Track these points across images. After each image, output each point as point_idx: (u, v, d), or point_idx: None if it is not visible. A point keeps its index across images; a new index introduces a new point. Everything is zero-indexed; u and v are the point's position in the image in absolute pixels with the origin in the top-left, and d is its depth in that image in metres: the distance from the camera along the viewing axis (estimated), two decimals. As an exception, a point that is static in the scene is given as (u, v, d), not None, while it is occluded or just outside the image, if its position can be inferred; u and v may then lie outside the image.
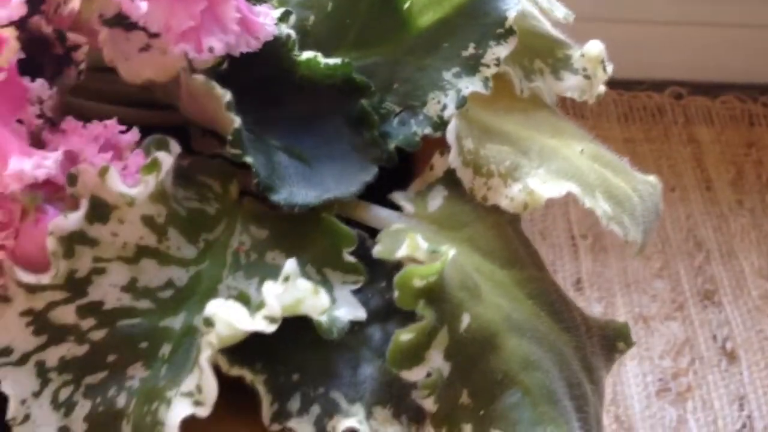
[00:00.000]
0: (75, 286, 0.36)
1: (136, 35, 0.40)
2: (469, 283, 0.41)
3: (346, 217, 0.43)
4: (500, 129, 0.49)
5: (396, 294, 0.38)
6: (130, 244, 0.38)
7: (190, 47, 0.39)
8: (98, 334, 0.37)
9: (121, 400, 0.36)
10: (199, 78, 0.41)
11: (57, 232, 0.35)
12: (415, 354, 0.37)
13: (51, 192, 0.36)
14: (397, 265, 0.39)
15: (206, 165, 0.43)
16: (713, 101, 1.20)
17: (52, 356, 0.36)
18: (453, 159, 0.45)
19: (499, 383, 0.39)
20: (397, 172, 0.46)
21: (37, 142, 0.37)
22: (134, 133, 0.39)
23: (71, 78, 0.40)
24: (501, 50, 0.45)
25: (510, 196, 0.44)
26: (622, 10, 1.18)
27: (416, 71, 0.46)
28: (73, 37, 0.40)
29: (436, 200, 0.45)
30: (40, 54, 0.39)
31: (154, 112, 0.46)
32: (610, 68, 0.52)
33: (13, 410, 0.35)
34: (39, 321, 0.36)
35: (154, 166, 0.37)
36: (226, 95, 0.40)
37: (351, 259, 0.41)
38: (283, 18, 0.44)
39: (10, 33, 0.34)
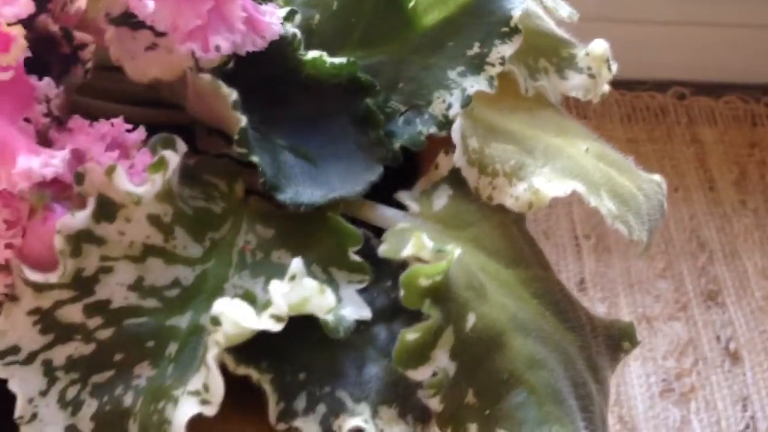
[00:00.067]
0: (82, 284, 0.36)
1: (143, 34, 0.40)
2: (474, 283, 0.41)
3: (352, 216, 0.43)
4: (505, 128, 0.49)
5: (402, 293, 0.38)
6: (136, 243, 0.38)
7: (196, 46, 0.39)
8: (105, 333, 0.37)
9: (127, 399, 0.36)
10: (206, 77, 0.41)
11: (64, 231, 0.35)
12: (420, 353, 0.37)
13: (58, 191, 0.36)
14: (403, 265, 0.39)
15: (212, 164, 0.43)
16: (716, 101, 1.20)
17: (59, 355, 0.36)
18: (458, 158, 0.45)
19: (504, 383, 0.39)
20: (402, 172, 0.46)
21: (44, 140, 0.37)
22: (141, 132, 0.39)
23: (78, 77, 0.40)
24: (506, 49, 0.45)
25: (515, 195, 0.44)
26: (625, 10, 1.18)
27: (421, 70, 0.46)
28: (79, 35, 0.40)
29: (441, 199, 0.45)
30: (47, 53, 0.39)
31: (160, 111, 0.46)
32: (614, 67, 0.52)
33: (20, 409, 0.35)
34: (46, 320, 0.36)
35: (161, 164, 0.37)
36: (233, 94, 0.40)
37: (356, 258, 0.41)
38: (289, 17, 0.44)
39: (18, 31, 0.34)
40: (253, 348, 0.36)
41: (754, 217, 1.08)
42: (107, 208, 0.37)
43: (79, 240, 0.36)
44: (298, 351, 0.38)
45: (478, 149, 0.45)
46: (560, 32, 0.53)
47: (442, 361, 0.38)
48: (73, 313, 0.36)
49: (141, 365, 0.36)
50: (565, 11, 0.53)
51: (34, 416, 0.35)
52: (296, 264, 0.36)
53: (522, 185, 0.44)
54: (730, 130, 1.17)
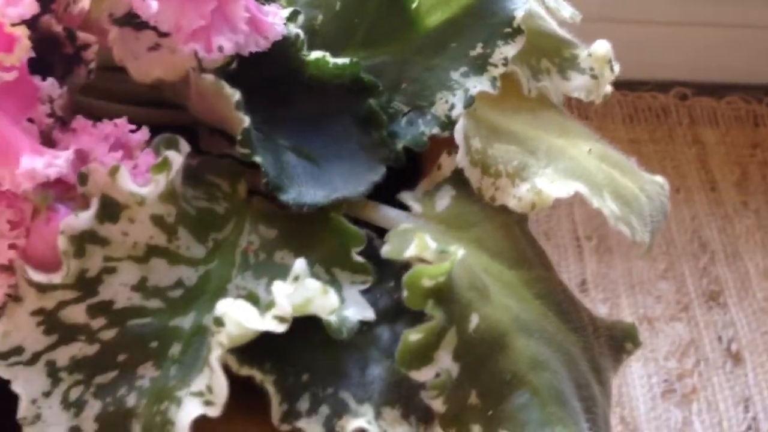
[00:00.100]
0: (86, 285, 0.36)
1: (146, 34, 0.40)
2: (477, 284, 0.41)
3: (354, 216, 0.43)
4: (508, 129, 0.49)
5: (405, 294, 0.37)
6: (140, 244, 0.38)
7: (199, 47, 0.39)
8: (109, 334, 0.37)
9: (131, 400, 0.36)
10: (209, 77, 0.41)
11: (68, 231, 0.35)
12: (424, 354, 0.37)
13: (62, 191, 0.36)
14: (405, 265, 0.39)
15: (215, 164, 0.43)
16: (718, 102, 1.20)
17: (63, 356, 0.36)
18: (461, 159, 0.45)
19: (507, 384, 0.39)
20: (405, 172, 0.46)
21: (48, 141, 0.37)
22: (144, 133, 0.39)
23: (81, 77, 0.40)
24: (509, 50, 0.45)
25: (518, 196, 0.44)
26: (626, 11, 1.18)
27: (424, 71, 0.46)
28: (83, 36, 0.40)
29: (444, 200, 0.45)
30: (51, 53, 0.39)
31: (162, 111, 0.46)
32: (617, 68, 0.52)
33: (23, 410, 0.35)
34: (50, 320, 0.36)
35: (164, 165, 0.37)
36: (236, 95, 0.40)
37: (359, 258, 0.41)
38: (292, 18, 0.44)
39: (22, 32, 0.34)
40: (256, 349, 0.36)
41: (756, 217, 1.08)
42: (111, 209, 0.37)
43: (83, 240, 0.36)
44: (301, 352, 0.38)
45: (480, 150, 0.45)
46: (562, 33, 0.53)
47: (445, 362, 0.38)
48: (76, 314, 0.36)
49: (144, 366, 0.36)
50: (568, 12, 0.53)
51: (37, 417, 0.35)
52: (299, 265, 0.36)
53: (525, 186, 0.44)
54: (731, 130, 1.17)
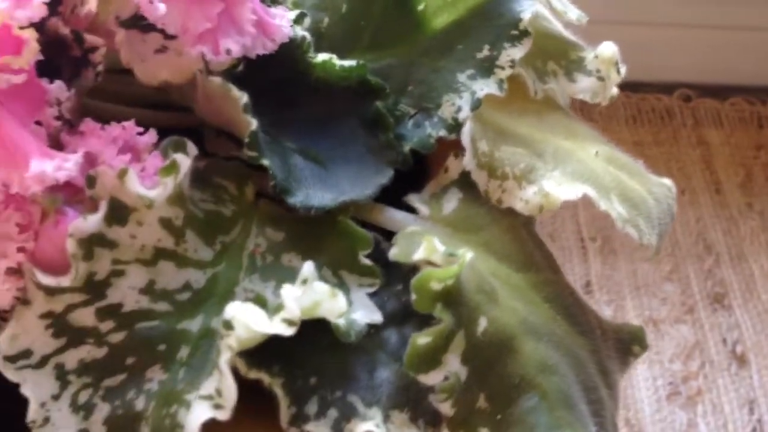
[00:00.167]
0: (94, 288, 0.36)
1: (153, 37, 0.40)
2: (485, 287, 0.41)
3: (361, 219, 0.43)
4: (515, 131, 0.49)
5: (413, 297, 0.37)
6: (148, 247, 0.38)
7: (206, 49, 0.39)
8: (117, 337, 0.37)
9: (139, 403, 0.36)
10: (216, 80, 0.41)
11: (77, 234, 0.35)
12: (432, 357, 0.37)
13: (70, 194, 0.36)
14: (413, 268, 0.39)
15: (222, 167, 0.43)
16: (722, 103, 1.20)
17: (72, 359, 0.36)
18: (468, 161, 0.45)
19: (516, 387, 0.39)
20: (412, 175, 0.46)
21: (56, 143, 0.37)
22: (152, 135, 0.39)
23: (89, 79, 0.40)
24: (515, 52, 0.45)
25: (525, 198, 0.44)
26: (630, 12, 1.18)
27: (431, 73, 0.46)
28: (90, 38, 0.40)
29: (451, 203, 0.45)
30: (58, 56, 0.39)
31: (169, 113, 0.46)
32: (623, 70, 0.52)
33: (33, 413, 0.35)
34: (58, 323, 0.36)
35: (172, 168, 0.37)
36: (243, 97, 0.40)
37: (367, 261, 0.41)
38: (299, 20, 0.44)
39: (31, 34, 0.34)
40: (265, 352, 0.36)
41: (761, 219, 1.08)
42: (119, 212, 0.37)
43: (91, 243, 0.36)
44: (309, 355, 0.38)
45: (487, 152, 0.45)
46: (568, 35, 0.53)
47: (453, 366, 0.38)
48: (85, 317, 0.36)
49: (153, 369, 0.36)
50: (574, 14, 0.53)
51: (46, 420, 0.35)
52: (308, 268, 0.36)
53: (532, 188, 0.44)
54: (736, 132, 1.17)
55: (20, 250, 0.35)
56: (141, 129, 0.39)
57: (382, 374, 0.39)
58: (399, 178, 0.44)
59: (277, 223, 0.42)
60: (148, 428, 0.35)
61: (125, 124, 0.38)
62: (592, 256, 1.01)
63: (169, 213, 0.38)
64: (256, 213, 0.42)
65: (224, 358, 0.34)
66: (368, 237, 0.41)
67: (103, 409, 0.36)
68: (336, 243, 0.41)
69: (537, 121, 0.50)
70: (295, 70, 0.44)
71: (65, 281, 0.35)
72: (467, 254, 0.38)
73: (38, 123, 0.36)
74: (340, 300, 0.36)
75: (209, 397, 0.34)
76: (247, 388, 0.36)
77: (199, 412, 0.34)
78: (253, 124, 0.40)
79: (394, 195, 0.45)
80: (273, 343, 0.35)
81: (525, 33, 0.45)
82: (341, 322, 0.37)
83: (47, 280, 0.35)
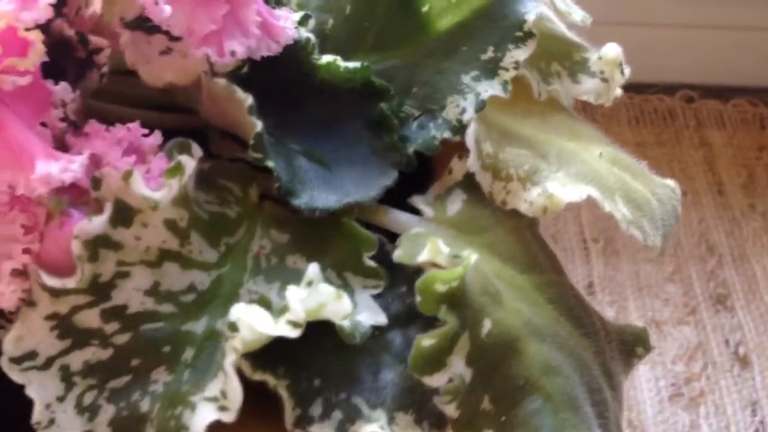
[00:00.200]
0: (99, 290, 0.36)
1: (158, 38, 0.40)
2: (489, 288, 0.41)
3: (366, 221, 0.43)
4: (519, 132, 0.49)
5: (418, 299, 0.37)
6: (153, 248, 0.38)
7: (211, 51, 0.39)
8: (122, 338, 0.37)
9: (144, 405, 0.36)
10: (221, 81, 0.41)
11: (82, 236, 0.35)
12: (437, 359, 0.37)
13: (75, 196, 0.36)
14: (417, 270, 0.39)
15: (226, 168, 0.43)
16: (725, 104, 1.20)
17: (77, 360, 0.36)
18: (472, 163, 0.45)
19: (520, 389, 0.39)
20: (416, 176, 0.46)
21: (61, 145, 0.37)
22: (157, 137, 0.39)
23: (93, 81, 0.40)
24: (520, 53, 0.45)
25: (529, 200, 0.44)
26: (633, 13, 1.18)
27: (435, 75, 0.46)
28: (95, 40, 0.40)
29: (455, 204, 0.45)
30: (63, 57, 0.39)
31: (174, 115, 0.46)
32: (627, 71, 0.52)
33: (38, 414, 0.35)
34: (63, 325, 0.36)
35: (177, 169, 0.37)
36: (248, 99, 0.40)
37: (371, 263, 0.41)
38: (303, 21, 0.44)
39: (36, 36, 0.34)
40: (269, 354, 0.36)
41: (763, 220, 1.08)
42: (124, 213, 0.37)
43: (96, 245, 0.36)
44: (314, 357, 0.38)
45: (492, 154, 0.45)
46: (572, 36, 0.53)
47: (458, 367, 0.38)
48: (90, 319, 0.36)
49: (158, 370, 0.36)
50: (579, 15, 0.53)
51: (51, 422, 0.35)
52: (313, 270, 0.36)
53: (536, 190, 0.44)
54: (738, 133, 1.17)
55: (25, 251, 0.35)
56: (146, 130, 0.39)
57: (386, 376, 0.39)
58: (403, 180, 0.44)
59: (281, 224, 0.42)
60: (153, 430, 0.35)
61: (130, 125, 0.38)
62: (594, 257, 1.01)
63: (173, 214, 0.38)
64: (261, 215, 0.42)
65: (229, 360, 0.34)
66: (372, 239, 0.41)
67: (108, 411, 0.36)
68: (340, 245, 0.41)
69: (541, 122, 0.50)
70: (300, 72, 0.44)
71: (70, 283, 0.35)
72: (472, 256, 0.38)
73: (43, 124, 0.36)
74: (345, 302, 0.36)
75: (214, 399, 0.34)
76: (252, 390, 0.36)
77: (204, 413, 0.34)
78: (258, 125, 0.40)
79: (398, 197, 0.45)
80: (278, 344, 0.35)
81: (529, 34, 0.45)
82: (346, 323, 0.37)
83: (52, 281, 0.35)
